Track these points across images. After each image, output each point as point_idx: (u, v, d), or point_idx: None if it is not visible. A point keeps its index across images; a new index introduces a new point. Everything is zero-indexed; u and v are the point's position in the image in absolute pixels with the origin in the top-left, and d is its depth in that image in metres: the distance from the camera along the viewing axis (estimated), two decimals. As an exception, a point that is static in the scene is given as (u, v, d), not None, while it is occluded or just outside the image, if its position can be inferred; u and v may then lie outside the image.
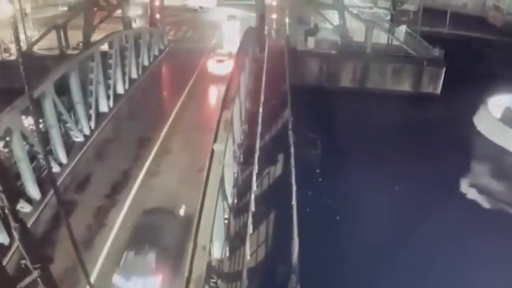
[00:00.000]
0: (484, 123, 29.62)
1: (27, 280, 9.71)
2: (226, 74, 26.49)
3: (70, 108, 22.37)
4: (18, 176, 17.91)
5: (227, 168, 16.48)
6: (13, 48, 35.71)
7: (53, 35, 37.21)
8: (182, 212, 18.30)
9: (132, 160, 22.14)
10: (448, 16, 57.42)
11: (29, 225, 16.79)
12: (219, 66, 34.10)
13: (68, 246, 9.69)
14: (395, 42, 45.09)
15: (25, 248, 9.63)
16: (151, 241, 15.73)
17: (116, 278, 15.32)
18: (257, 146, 21.85)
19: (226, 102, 18.20)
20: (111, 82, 26.51)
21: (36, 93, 18.65)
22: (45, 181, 18.77)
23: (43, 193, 18.51)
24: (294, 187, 19.15)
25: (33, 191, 18.29)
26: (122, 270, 15.33)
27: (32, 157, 18.98)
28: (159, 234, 16.26)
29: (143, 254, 15.38)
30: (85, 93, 23.46)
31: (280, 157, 22.68)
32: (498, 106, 31.17)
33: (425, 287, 20.36)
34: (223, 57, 34.75)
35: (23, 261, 9.64)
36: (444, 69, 40.39)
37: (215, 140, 16.26)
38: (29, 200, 18.05)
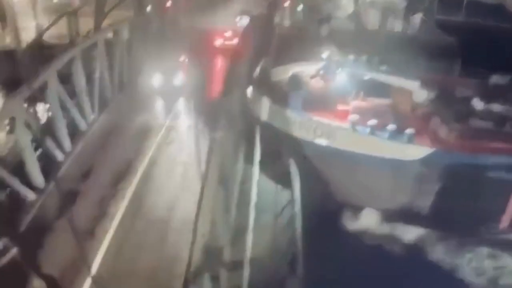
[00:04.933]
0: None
1: (5, 258, 9.64)
2: None
3: (74, 96, 22.34)
4: (22, 164, 18.00)
5: (227, 156, 16.37)
6: (23, 35, 35.83)
7: (63, 22, 37.26)
8: None
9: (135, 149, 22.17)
10: (464, 3, 56.31)
11: (32, 213, 16.93)
12: None
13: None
14: (410, 31, 44.47)
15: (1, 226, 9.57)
16: None
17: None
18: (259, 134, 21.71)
19: (225, 90, 18.07)
20: (116, 70, 26.42)
21: (40, 81, 18.66)
22: (50, 169, 18.84)
23: (48, 181, 18.54)
24: (297, 176, 19.04)
25: (37, 179, 18.30)
26: None
27: (37, 145, 19.02)
28: None
29: None
30: (89, 81, 23.42)
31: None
32: (287, 73, 30.27)
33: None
34: None
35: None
36: (460, 58, 39.65)
37: (216, 129, 16.14)
38: (34, 188, 18.10)
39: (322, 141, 24.09)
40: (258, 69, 28.93)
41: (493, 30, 44.38)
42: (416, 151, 23.12)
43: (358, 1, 44.83)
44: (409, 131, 23.26)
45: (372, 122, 23.58)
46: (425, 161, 22.92)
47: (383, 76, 28.55)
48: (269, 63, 29.71)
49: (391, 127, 23.46)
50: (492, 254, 24.19)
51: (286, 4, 50.01)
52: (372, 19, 45.18)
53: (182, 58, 31.82)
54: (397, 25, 45.26)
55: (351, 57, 30.84)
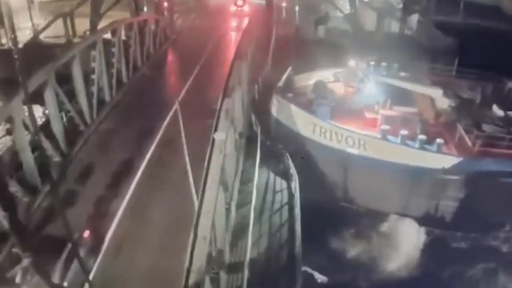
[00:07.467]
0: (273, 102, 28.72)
1: (18, 267, 9.53)
2: None
3: (72, 96, 22.16)
4: (20, 165, 17.80)
5: (228, 158, 16.22)
6: (20, 36, 35.60)
7: (60, 23, 37.06)
8: None
9: (134, 150, 21.85)
10: (462, 4, 56.42)
11: (30, 215, 16.74)
12: None
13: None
14: (407, 31, 44.48)
15: (15, 236, 9.47)
16: None
17: None
18: (259, 135, 21.60)
19: (227, 90, 17.92)
20: (113, 70, 26.19)
21: (37, 81, 18.49)
22: (47, 170, 18.62)
23: (45, 183, 18.32)
24: (296, 177, 18.96)
25: (35, 180, 18.12)
26: None
27: (35, 146, 18.81)
28: None
29: None
30: (87, 81, 23.21)
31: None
32: (310, 80, 30.51)
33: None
34: None
35: (14, 249, 9.47)
36: (457, 59, 39.72)
37: (215, 129, 16.01)
38: (31, 190, 17.92)
39: (353, 150, 24.40)
40: (283, 78, 29.26)
41: (491, 30, 44.63)
42: (445, 160, 23.61)
43: (355, 2, 44.82)
44: (438, 141, 24.10)
45: (403, 132, 23.95)
46: (452, 169, 23.38)
47: (404, 83, 28.89)
48: (293, 71, 30.10)
49: (421, 137, 23.91)
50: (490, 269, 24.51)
51: (283, 4, 50.12)
52: (369, 20, 45.17)
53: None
54: (394, 26, 45.24)
55: (372, 63, 31.06)
